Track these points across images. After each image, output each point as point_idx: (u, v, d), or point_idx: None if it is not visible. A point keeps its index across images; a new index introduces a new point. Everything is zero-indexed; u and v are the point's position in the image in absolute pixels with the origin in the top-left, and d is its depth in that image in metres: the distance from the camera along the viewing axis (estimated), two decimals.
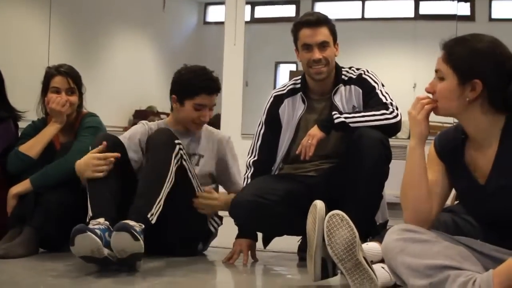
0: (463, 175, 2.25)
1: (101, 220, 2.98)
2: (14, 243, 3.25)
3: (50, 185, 3.40)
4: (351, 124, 3.15)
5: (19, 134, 3.71)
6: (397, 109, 3.24)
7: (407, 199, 2.28)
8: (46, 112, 3.69)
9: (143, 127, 3.60)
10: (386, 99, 3.28)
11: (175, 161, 3.19)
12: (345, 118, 3.16)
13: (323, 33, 3.38)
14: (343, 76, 3.40)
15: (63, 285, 2.71)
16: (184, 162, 3.27)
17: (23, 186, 3.43)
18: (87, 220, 3.04)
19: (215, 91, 3.55)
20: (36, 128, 3.66)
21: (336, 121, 3.16)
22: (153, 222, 3.00)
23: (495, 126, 2.17)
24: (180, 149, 3.24)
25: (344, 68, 3.45)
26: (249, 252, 3.36)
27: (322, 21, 3.39)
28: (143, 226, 2.90)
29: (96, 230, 2.82)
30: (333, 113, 3.20)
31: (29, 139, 3.56)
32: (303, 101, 3.43)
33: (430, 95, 2.26)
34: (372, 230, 3.09)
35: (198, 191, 3.40)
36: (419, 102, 2.26)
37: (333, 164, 3.32)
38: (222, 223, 3.61)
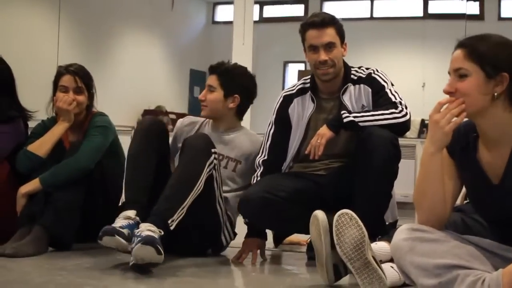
0: (475, 174, 2.24)
1: (132, 214, 3.04)
2: (23, 242, 3.26)
3: (60, 184, 3.41)
4: (360, 123, 3.15)
5: (29, 133, 3.71)
6: (406, 108, 3.23)
7: (423, 204, 2.26)
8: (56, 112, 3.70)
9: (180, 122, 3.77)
10: (395, 98, 3.27)
11: (208, 169, 3.19)
12: (354, 117, 3.17)
13: (329, 34, 3.35)
14: (352, 76, 3.39)
15: (73, 283, 2.72)
16: (214, 172, 3.26)
17: (33, 185, 3.44)
18: (120, 204, 3.15)
19: (212, 71, 3.68)
20: (45, 127, 3.66)
21: (345, 120, 3.16)
22: (172, 228, 3.01)
23: (510, 125, 2.16)
24: (215, 158, 3.24)
25: (353, 67, 3.45)
26: (258, 251, 3.37)
27: (328, 21, 3.37)
28: (162, 233, 2.92)
29: (124, 231, 2.91)
30: (342, 112, 3.21)
31: (39, 138, 3.57)
32: (313, 101, 3.43)
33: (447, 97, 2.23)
34: (381, 230, 3.08)
35: (218, 202, 3.36)
36: (448, 110, 2.16)
37: (343, 163, 3.31)
38: (234, 238, 3.58)
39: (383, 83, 3.35)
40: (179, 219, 3.04)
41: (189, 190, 3.09)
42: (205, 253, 3.50)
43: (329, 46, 3.34)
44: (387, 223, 3.29)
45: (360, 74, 3.40)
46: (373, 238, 2.85)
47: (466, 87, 2.14)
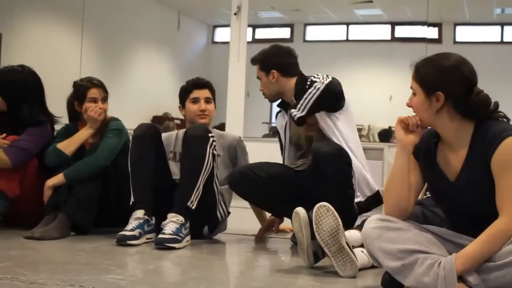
0: (436, 173, 2.25)
1: (141, 213, 3.15)
2: (49, 227, 3.26)
3: (81, 178, 3.40)
4: (302, 112, 3.19)
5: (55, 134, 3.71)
6: (325, 78, 3.24)
7: (390, 196, 2.27)
8: (76, 118, 3.70)
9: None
10: (316, 78, 3.27)
11: (211, 150, 3.23)
12: (297, 111, 3.21)
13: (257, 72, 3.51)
14: (308, 84, 3.32)
15: (91, 263, 2.71)
16: (215, 151, 3.29)
17: (58, 179, 3.43)
18: (130, 203, 3.24)
19: (204, 86, 3.69)
20: (68, 130, 3.67)
21: (295, 119, 3.22)
22: (193, 207, 3.13)
23: (465, 131, 2.17)
24: (213, 140, 3.28)
25: (312, 76, 3.38)
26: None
27: (252, 61, 3.57)
28: (182, 218, 3.08)
29: (135, 233, 3.07)
30: (291, 112, 3.26)
31: (63, 139, 3.57)
32: (286, 112, 3.47)
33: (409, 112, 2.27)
34: (351, 223, 3.05)
35: (215, 182, 3.37)
36: (401, 122, 2.26)
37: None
38: (228, 216, 3.59)
39: (316, 78, 3.32)
40: (197, 198, 3.15)
41: (199, 171, 3.17)
42: (202, 232, 3.48)
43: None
44: (367, 196, 3.26)
45: (313, 79, 3.34)
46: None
47: (414, 103, 2.22)
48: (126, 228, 3.11)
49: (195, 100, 3.64)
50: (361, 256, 2.64)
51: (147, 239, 3.16)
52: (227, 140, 3.70)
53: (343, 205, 3.00)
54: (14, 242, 3.11)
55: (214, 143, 3.27)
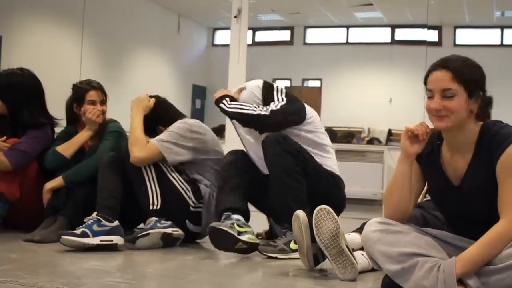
0: (439, 176, 2.25)
1: (93, 215, 3.12)
2: (49, 230, 3.26)
3: (80, 181, 3.40)
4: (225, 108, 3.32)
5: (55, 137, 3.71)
6: (267, 110, 3.26)
7: (390, 201, 2.26)
8: (75, 120, 3.70)
9: None
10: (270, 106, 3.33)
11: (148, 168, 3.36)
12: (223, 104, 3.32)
13: None
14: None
15: (92, 265, 2.72)
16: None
17: (57, 181, 3.43)
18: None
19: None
20: (67, 133, 3.67)
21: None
22: (158, 207, 3.28)
23: (473, 134, 2.16)
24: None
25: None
26: None
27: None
28: (156, 219, 3.25)
29: (75, 231, 3.00)
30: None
31: (62, 142, 3.57)
32: None
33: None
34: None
35: (170, 175, 3.41)
36: (409, 131, 2.22)
37: None
38: (198, 203, 3.49)
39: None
40: (158, 198, 3.32)
41: (142, 178, 3.34)
42: (185, 225, 3.42)
43: None
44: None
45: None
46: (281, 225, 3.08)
47: (455, 105, 2.11)
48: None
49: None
50: (361, 259, 2.64)
51: (101, 241, 3.02)
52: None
53: (283, 198, 3.05)
54: (14, 245, 3.11)
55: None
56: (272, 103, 3.31)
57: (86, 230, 3.01)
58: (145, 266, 2.69)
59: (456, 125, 2.14)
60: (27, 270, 2.45)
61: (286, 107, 3.30)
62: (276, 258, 3.01)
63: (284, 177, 3.10)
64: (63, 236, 2.94)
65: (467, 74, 2.12)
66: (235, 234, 2.96)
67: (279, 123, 3.25)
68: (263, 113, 3.24)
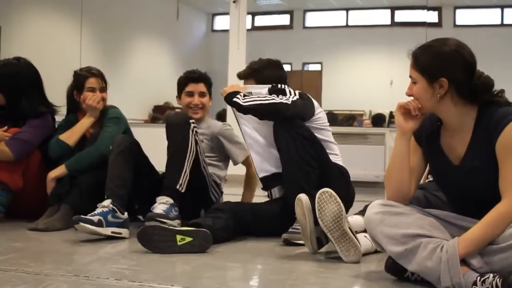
0: (439, 157, 2.25)
1: (107, 202, 3.05)
2: (53, 219, 3.27)
3: (83, 169, 3.41)
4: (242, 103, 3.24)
5: (56, 126, 3.71)
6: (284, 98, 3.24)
7: (391, 181, 2.27)
8: (75, 108, 3.70)
9: None
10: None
11: (192, 134, 3.26)
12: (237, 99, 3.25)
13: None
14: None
15: (95, 253, 2.73)
16: (196, 137, 3.32)
17: (60, 170, 3.44)
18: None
19: (199, 80, 3.79)
20: (69, 121, 3.67)
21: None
22: (183, 190, 3.15)
23: (468, 116, 2.16)
24: (194, 126, 3.31)
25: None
26: None
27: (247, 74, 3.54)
28: (172, 200, 3.09)
29: (93, 218, 2.94)
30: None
31: (64, 131, 3.57)
32: None
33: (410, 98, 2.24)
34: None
35: (203, 166, 3.41)
36: (400, 107, 2.24)
37: None
38: (222, 195, 3.68)
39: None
40: (186, 181, 3.18)
41: (184, 156, 3.20)
42: (200, 215, 3.47)
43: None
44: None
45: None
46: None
47: (416, 92, 2.19)
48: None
49: (189, 94, 3.75)
50: (364, 241, 2.64)
51: (113, 232, 3.00)
52: (211, 129, 3.78)
53: (299, 177, 3.06)
54: (18, 234, 3.12)
55: (195, 128, 3.30)
56: (285, 96, 3.28)
57: (102, 219, 2.97)
58: (149, 253, 2.69)
59: (428, 109, 2.20)
60: (31, 259, 2.46)
61: (302, 101, 3.28)
62: (303, 244, 3.00)
63: (298, 160, 3.09)
64: (81, 223, 2.89)
65: (422, 61, 2.16)
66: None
67: (298, 114, 3.20)
68: (284, 101, 3.19)
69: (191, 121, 3.29)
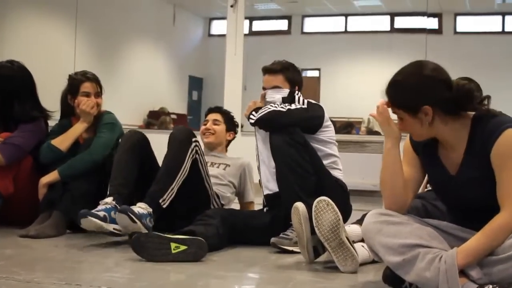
0: (437, 166, 2.25)
1: (109, 200, 3.06)
2: (45, 225, 3.26)
3: (76, 175, 3.40)
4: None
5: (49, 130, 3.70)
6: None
7: (386, 191, 2.27)
8: (69, 113, 3.69)
9: None
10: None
11: (191, 155, 3.26)
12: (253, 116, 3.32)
13: (278, 79, 3.50)
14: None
15: (87, 261, 2.72)
16: (198, 156, 3.33)
17: (52, 176, 3.43)
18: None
19: (216, 111, 4.08)
20: (62, 126, 3.67)
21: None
22: (164, 206, 3.09)
23: (462, 129, 2.16)
24: (196, 145, 3.32)
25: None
26: None
27: (278, 70, 3.53)
28: (151, 209, 3.00)
29: (99, 213, 2.94)
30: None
31: (56, 136, 3.57)
32: None
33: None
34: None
35: (206, 181, 3.43)
36: (378, 109, 2.25)
37: None
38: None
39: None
40: (170, 198, 3.13)
41: (176, 173, 3.18)
42: None
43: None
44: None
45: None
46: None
47: (405, 127, 2.21)
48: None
49: (205, 122, 4.03)
50: (361, 251, 2.64)
51: (114, 229, 2.98)
52: (240, 160, 3.95)
53: (293, 183, 3.06)
54: (9, 240, 3.11)
55: (196, 148, 3.32)
56: (293, 104, 3.32)
57: (106, 214, 2.97)
58: (143, 261, 2.69)
59: (424, 137, 2.21)
60: (22, 266, 2.46)
61: (303, 111, 3.31)
62: (292, 251, 3.01)
63: (292, 165, 3.10)
64: (89, 217, 2.90)
65: (398, 99, 2.18)
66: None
67: (293, 123, 3.21)
68: (278, 109, 3.25)
69: (193, 139, 3.31)
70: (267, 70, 3.55)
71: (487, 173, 2.07)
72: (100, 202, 3.05)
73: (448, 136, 2.18)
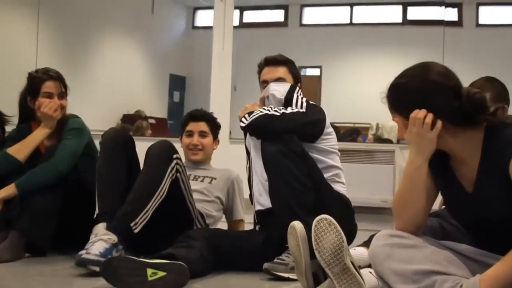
0: (451, 182, 2.25)
1: (113, 236, 2.99)
2: (0, 248, 3.24)
3: (36, 189, 3.38)
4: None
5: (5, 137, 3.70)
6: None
7: (404, 214, 2.26)
8: (29, 117, 3.67)
9: None
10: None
11: (170, 174, 3.25)
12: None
13: (280, 71, 3.58)
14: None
15: (51, 286, 2.71)
16: (179, 175, 3.33)
17: (9, 190, 3.41)
18: (95, 217, 3.17)
19: (200, 118, 4.05)
20: (20, 132, 3.66)
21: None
22: (136, 231, 3.07)
23: (473, 141, 2.16)
24: (177, 163, 3.31)
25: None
26: None
27: (281, 61, 3.61)
28: (116, 239, 2.98)
29: (100, 259, 2.85)
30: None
31: (14, 143, 3.55)
32: None
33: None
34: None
35: (188, 201, 3.43)
36: (419, 120, 2.15)
37: None
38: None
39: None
40: (143, 222, 3.10)
41: (151, 194, 3.16)
42: None
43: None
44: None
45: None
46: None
47: (402, 134, 2.23)
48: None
49: (189, 134, 4.02)
50: (368, 277, 2.64)
51: None
52: (228, 172, 4.00)
53: (288, 198, 3.05)
54: None
55: (177, 166, 3.31)
56: (289, 108, 3.33)
57: (108, 255, 2.90)
58: None
59: (430, 151, 2.20)
60: None
61: (301, 115, 3.31)
62: (288, 279, 3.00)
63: (288, 178, 3.09)
64: (90, 266, 2.86)
65: (400, 104, 2.21)
66: None
67: (287, 131, 3.20)
68: (272, 112, 3.25)
69: (175, 155, 3.30)
70: (269, 61, 3.62)
71: (506, 189, 2.07)
72: (94, 231, 3.02)
73: (457, 149, 2.19)
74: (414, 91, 2.17)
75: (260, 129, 3.25)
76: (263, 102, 3.47)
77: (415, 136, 2.19)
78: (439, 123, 2.13)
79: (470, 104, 2.12)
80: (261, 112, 3.26)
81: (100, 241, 2.95)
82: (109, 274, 2.68)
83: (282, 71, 3.56)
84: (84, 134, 3.64)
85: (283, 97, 3.38)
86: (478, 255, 2.21)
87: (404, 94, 2.19)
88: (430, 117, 2.15)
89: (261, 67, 3.65)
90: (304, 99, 3.40)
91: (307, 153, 3.21)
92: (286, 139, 3.14)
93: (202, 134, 4.00)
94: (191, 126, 4.01)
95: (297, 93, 3.42)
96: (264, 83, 3.55)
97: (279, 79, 3.52)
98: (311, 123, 3.33)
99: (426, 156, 2.22)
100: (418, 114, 2.16)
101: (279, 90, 3.41)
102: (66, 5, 10.60)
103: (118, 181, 3.27)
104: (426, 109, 2.14)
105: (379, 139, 10.14)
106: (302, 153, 3.17)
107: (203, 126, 4.01)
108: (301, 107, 3.34)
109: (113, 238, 2.98)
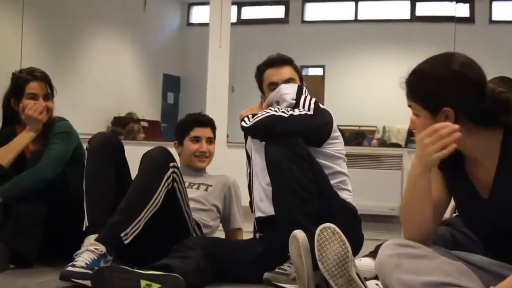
0: (465, 188, 2.25)
1: (101, 246, 2.98)
2: None
3: (21, 196, 3.39)
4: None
5: None
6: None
7: (410, 221, 2.26)
8: (13, 120, 3.68)
9: None
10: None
11: (166, 183, 3.25)
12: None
13: (289, 72, 3.56)
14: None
15: None
16: (176, 184, 3.32)
17: None
18: (84, 229, 3.14)
19: (207, 124, 4.06)
20: (3, 135, 3.66)
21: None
22: (126, 242, 3.06)
23: (491, 142, 2.16)
24: (173, 172, 3.30)
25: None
26: None
27: (286, 60, 3.60)
28: (104, 249, 2.96)
29: (87, 271, 2.83)
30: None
31: None
32: None
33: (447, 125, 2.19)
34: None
35: (185, 211, 3.43)
36: (439, 138, 2.10)
37: None
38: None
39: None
40: (134, 233, 3.09)
41: (145, 204, 3.15)
42: None
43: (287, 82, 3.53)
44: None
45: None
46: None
47: (420, 126, 2.20)
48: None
49: (196, 139, 4.01)
50: None
51: None
52: (224, 178, 4.03)
53: (293, 206, 3.04)
54: None
55: (174, 175, 3.31)
56: (296, 109, 3.32)
57: (95, 266, 2.88)
58: None
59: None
60: None
61: (308, 118, 3.31)
62: None
63: (292, 183, 3.07)
64: (76, 280, 2.82)
65: (420, 91, 2.20)
66: None
67: (294, 133, 3.18)
68: (279, 113, 3.25)
69: (171, 164, 3.30)
70: (274, 61, 3.59)
71: None
72: (86, 245, 2.99)
73: (474, 150, 2.18)
74: (434, 78, 2.17)
75: (265, 130, 3.24)
76: (269, 104, 3.45)
77: (423, 147, 2.16)
78: (451, 147, 2.11)
79: (493, 102, 2.13)
80: (268, 112, 3.25)
81: (87, 252, 2.94)
82: (100, 286, 2.68)
83: (289, 71, 3.55)
84: (72, 138, 3.64)
85: (294, 100, 3.37)
86: (492, 265, 2.21)
87: (424, 81, 2.19)
88: (451, 138, 2.09)
89: (262, 69, 3.61)
90: (313, 100, 3.39)
91: (314, 157, 3.20)
92: (292, 142, 3.13)
93: (209, 141, 4.02)
94: (199, 132, 4.01)
95: (305, 93, 3.42)
96: (273, 85, 3.51)
97: (289, 80, 3.50)
98: (319, 126, 3.32)
99: (425, 168, 2.20)
100: (443, 129, 2.10)
101: (290, 92, 3.40)
102: (52, 2, 10.60)
103: (107, 191, 3.27)
104: (444, 101, 2.13)
105: (385, 143, 10.13)
106: (308, 158, 3.16)
107: (210, 132, 4.04)
108: (309, 109, 3.33)
109: (101, 248, 2.97)
